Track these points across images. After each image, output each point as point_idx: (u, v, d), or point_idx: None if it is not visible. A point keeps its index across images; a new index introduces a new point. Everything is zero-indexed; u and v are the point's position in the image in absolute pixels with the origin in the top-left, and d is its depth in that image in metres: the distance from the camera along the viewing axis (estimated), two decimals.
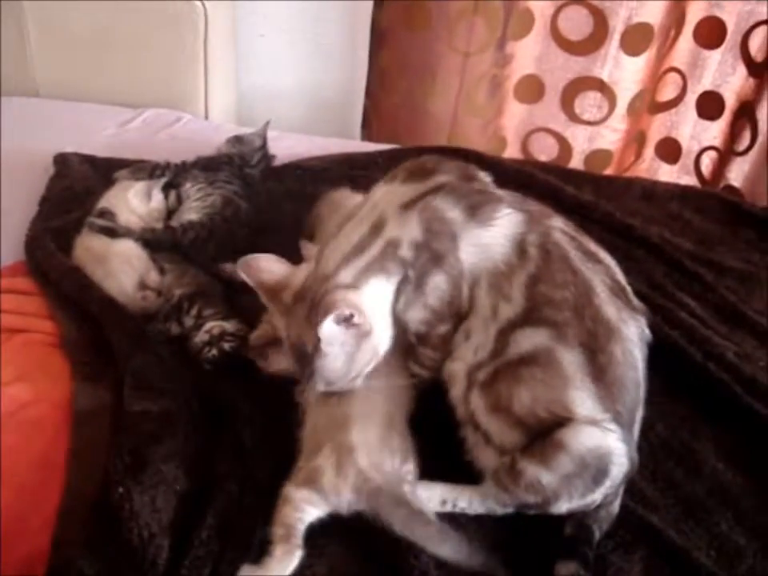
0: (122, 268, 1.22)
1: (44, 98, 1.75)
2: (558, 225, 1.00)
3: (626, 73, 1.82)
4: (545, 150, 1.97)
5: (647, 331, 0.99)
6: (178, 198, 1.37)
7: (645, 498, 1.06)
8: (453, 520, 0.99)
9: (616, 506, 1.01)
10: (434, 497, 0.99)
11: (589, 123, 1.91)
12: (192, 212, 1.33)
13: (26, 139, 1.53)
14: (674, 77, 1.92)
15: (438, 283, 0.97)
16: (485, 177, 1.07)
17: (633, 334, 0.96)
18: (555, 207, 1.51)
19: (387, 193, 1.02)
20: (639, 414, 0.98)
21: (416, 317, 1.00)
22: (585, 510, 0.97)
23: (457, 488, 1.01)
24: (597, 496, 0.95)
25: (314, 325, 0.92)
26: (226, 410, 1.07)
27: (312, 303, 0.95)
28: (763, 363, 1.29)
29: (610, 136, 1.92)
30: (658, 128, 2.00)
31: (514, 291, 0.95)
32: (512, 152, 1.96)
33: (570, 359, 0.93)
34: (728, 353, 1.27)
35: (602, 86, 1.84)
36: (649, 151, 2.02)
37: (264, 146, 1.51)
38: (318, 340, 0.93)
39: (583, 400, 0.93)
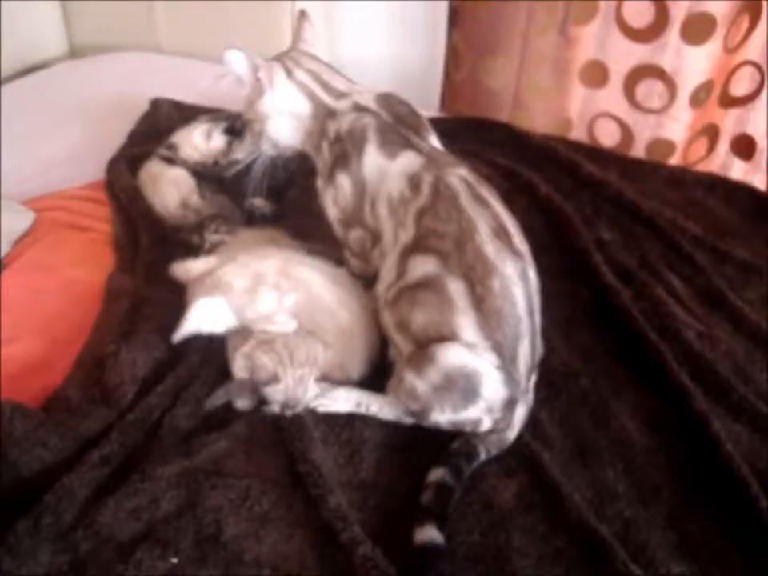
0: (169, 189, 1.52)
1: (160, 53, 2.12)
2: (459, 172, 1.15)
3: (687, 63, 1.81)
4: (608, 136, 2.01)
5: (531, 273, 1.11)
6: (232, 141, 1.64)
7: (545, 436, 1.18)
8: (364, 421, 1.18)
9: (510, 436, 1.14)
10: (351, 398, 1.18)
11: (651, 111, 1.93)
12: (240, 153, 1.59)
13: (138, 86, 1.89)
14: (749, 70, 1.88)
15: (343, 182, 1.19)
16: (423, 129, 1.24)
17: (512, 273, 1.08)
18: (572, 181, 1.65)
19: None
20: (524, 347, 1.09)
21: (330, 212, 1.23)
22: (473, 430, 1.11)
23: (372, 395, 1.18)
24: (473, 414, 1.09)
25: None
26: None
27: None
28: (725, 348, 1.33)
29: (673, 126, 1.92)
30: (732, 123, 1.97)
31: (408, 220, 1.13)
32: (577, 135, 2.02)
33: (455, 287, 1.07)
34: (687, 330, 1.34)
35: (663, 75, 1.86)
36: (723, 146, 2.00)
37: None
38: None
39: (467, 326, 1.07)
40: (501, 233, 1.11)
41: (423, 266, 1.10)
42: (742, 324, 1.38)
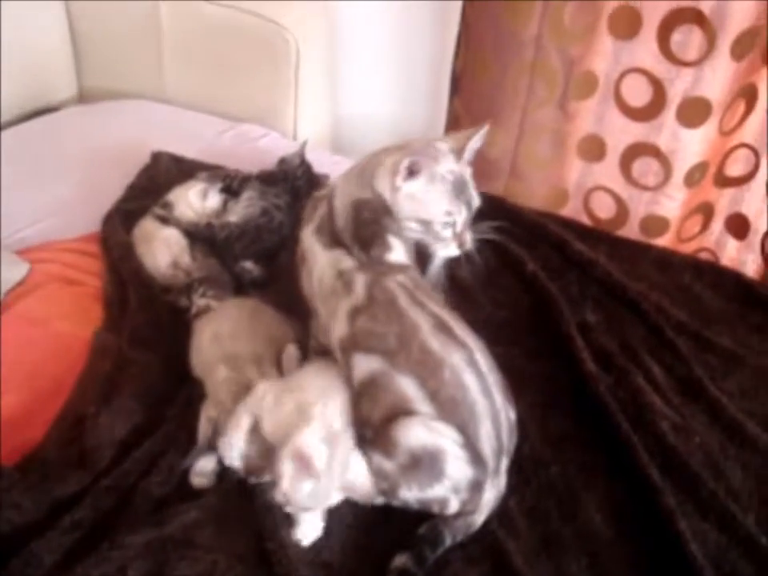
0: (161, 249, 1.55)
1: (167, 104, 2.15)
2: (396, 278, 1.16)
3: (682, 144, 1.85)
4: (604, 209, 2.04)
5: (478, 357, 1.13)
6: (228, 202, 1.66)
7: (512, 525, 1.18)
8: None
9: (477, 521, 1.14)
10: None
11: (646, 188, 1.96)
12: (233, 215, 1.62)
13: (141, 136, 1.93)
14: (745, 152, 1.91)
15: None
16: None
17: (458, 361, 1.11)
18: (560, 259, 1.66)
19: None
20: (486, 428, 1.10)
21: None
22: (440, 511, 1.12)
23: None
24: (440, 492, 1.10)
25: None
26: None
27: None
28: (699, 440, 1.34)
29: (668, 203, 1.94)
30: (727, 202, 2.00)
31: (340, 314, 1.15)
32: (574, 206, 2.05)
33: (405, 383, 1.10)
34: (662, 422, 1.34)
35: (658, 154, 1.89)
36: (717, 224, 2.03)
37: (302, 164, 1.76)
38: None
39: (425, 414, 1.09)
40: (442, 327, 1.13)
41: (368, 364, 1.12)
42: (718, 417, 1.37)
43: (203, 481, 1.18)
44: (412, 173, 1.17)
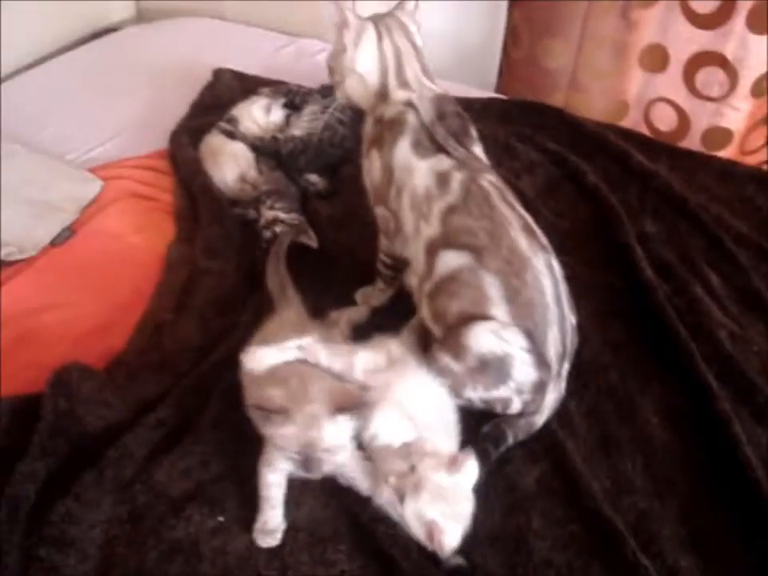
0: (228, 163, 1.60)
1: (223, 20, 2.16)
2: (489, 177, 1.20)
3: (750, 52, 1.79)
4: (664, 121, 2.00)
5: (554, 263, 1.17)
6: (291, 116, 1.69)
7: (571, 426, 1.22)
8: None
9: (538, 422, 1.19)
10: None
11: (710, 99, 1.91)
12: (297, 129, 1.66)
13: (201, 53, 1.96)
14: None
15: (375, 159, 1.25)
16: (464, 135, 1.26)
17: (541, 265, 1.14)
18: (621, 171, 1.66)
19: None
20: (553, 333, 1.14)
21: (365, 179, 1.30)
22: (503, 410, 1.17)
23: None
24: (504, 393, 1.14)
25: None
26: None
27: None
28: (756, 349, 1.36)
29: (732, 115, 1.90)
30: None
31: (433, 215, 1.18)
32: (633, 117, 2.01)
33: (490, 281, 1.13)
34: (720, 330, 1.36)
35: (724, 63, 1.83)
36: None
37: None
38: None
39: (500, 316, 1.13)
40: (528, 228, 1.17)
41: (456, 260, 1.15)
42: None
43: (276, 537, 1.05)
44: None
